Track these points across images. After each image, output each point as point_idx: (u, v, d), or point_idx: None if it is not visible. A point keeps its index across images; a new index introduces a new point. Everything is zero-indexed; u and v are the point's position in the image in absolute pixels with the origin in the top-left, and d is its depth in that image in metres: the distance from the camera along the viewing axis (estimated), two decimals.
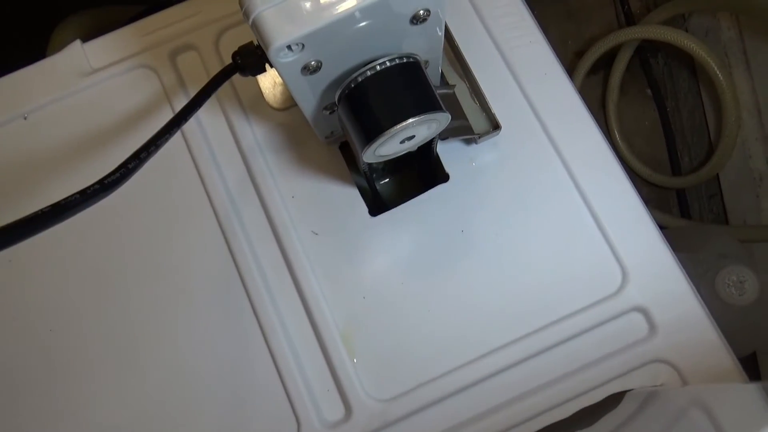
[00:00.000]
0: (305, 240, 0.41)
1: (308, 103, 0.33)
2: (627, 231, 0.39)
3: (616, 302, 0.38)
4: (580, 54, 1.01)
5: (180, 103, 0.43)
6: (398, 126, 0.30)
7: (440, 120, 0.32)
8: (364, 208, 0.41)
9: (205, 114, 0.43)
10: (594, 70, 1.01)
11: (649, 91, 1.04)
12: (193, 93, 0.34)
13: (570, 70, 1.01)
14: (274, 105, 0.43)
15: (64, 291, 0.41)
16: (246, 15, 0.27)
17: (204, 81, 0.34)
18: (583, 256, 0.39)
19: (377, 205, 0.41)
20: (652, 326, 0.38)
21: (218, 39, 0.44)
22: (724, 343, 0.37)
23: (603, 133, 0.41)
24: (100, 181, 0.23)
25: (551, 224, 0.40)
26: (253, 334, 0.39)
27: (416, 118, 0.30)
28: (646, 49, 1.02)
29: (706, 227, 0.87)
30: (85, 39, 0.45)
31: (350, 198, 0.41)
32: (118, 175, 0.24)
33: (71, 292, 0.41)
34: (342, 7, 0.26)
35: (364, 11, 0.27)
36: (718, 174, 0.90)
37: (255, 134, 0.43)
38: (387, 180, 0.43)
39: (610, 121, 1.00)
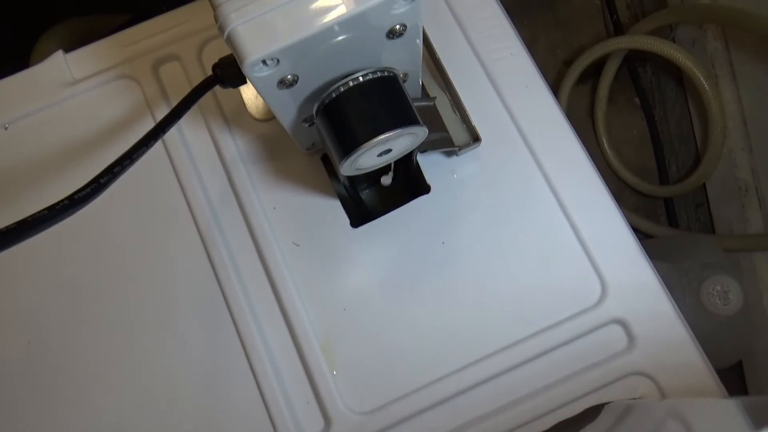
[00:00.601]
0: (286, 251, 0.41)
1: (286, 117, 0.33)
2: (606, 243, 0.39)
3: (596, 314, 0.38)
4: (569, 63, 1.02)
5: (162, 113, 0.43)
6: (375, 139, 0.30)
7: (418, 133, 0.32)
8: (346, 220, 0.41)
9: (186, 124, 0.43)
10: (582, 79, 1.01)
11: (637, 100, 1.05)
12: (175, 103, 0.34)
13: (559, 79, 1.02)
14: (257, 116, 0.43)
15: (41, 303, 0.40)
16: (221, 29, 0.27)
17: (186, 92, 0.34)
18: (563, 268, 0.39)
19: (359, 216, 0.41)
20: (631, 339, 0.38)
21: (201, 50, 0.44)
22: (703, 357, 0.38)
23: (583, 146, 0.41)
24: (70, 197, 0.23)
25: (531, 236, 0.40)
26: (232, 345, 0.39)
27: (393, 132, 0.30)
28: (635, 59, 1.02)
29: (692, 236, 0.87)
30: (70, 49, 0.45)
31: (332, 209, 0.41)
32: (89, 190, 0.24)
33: (49, 304, 0.40)
34: (316, 23, 0.26)
35: (339, 26, 0.27)
36: (704, 183, 0.91)
37: (237, 145, 0.43)
38: (368, 191, 0.43)
39: (598, 130, 1.00)
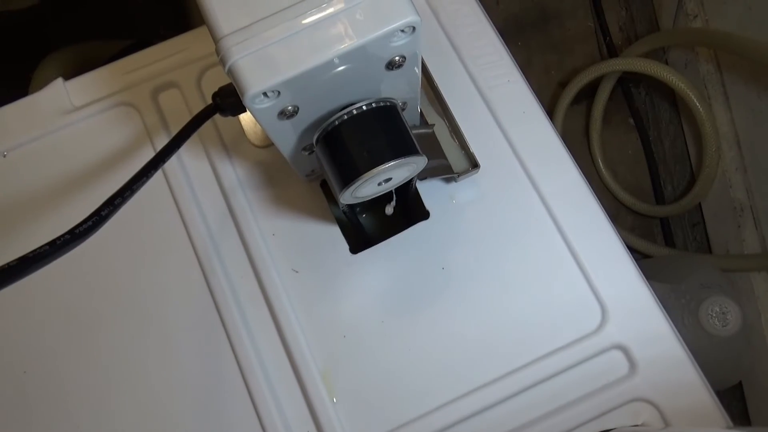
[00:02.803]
0: (285, 278, 0.40)
1: (286, 146, 0.33)
2: (606, 268, 0.39)
3: (596, 340, 0.38)
4: (563, 84, 1.03)
5: (161, 141, 0.43)
6: (375, 170, 0.30)
7: (417, 163, 0.32)
8: (345, 246, 0.41)
9: (186, 151, 0.43)
10: (577, 100, 1.02)
11: (631, 120, 1.06)
12: (174, 131, 0.34)
13: (554, 101, 1.03)
14: (256, 143, 0.43)
15: (38, 331, 0.40)
16: (222, 62, 0.27)
17: (186, 119, 0.34)
18: (563, 294, 0.39)
19: (358, 242, 0.41)
20: (632, 364, 0.38)
21: (200, 77, 0.45)
22: (704, 382, 0.37)
23: (580, 170, 0.42)
24: (71, 231, 0.23)
25: (531, 262, 0.40)
26: (231, 374, 0.39)
27: (393, 162, 0.30)
28: (629, 80, 1.04)
29: (689, 256, 0.87)
30: (69, 76, 0.46)
31: (331, 235, 0.41)
32: (90, 223, 0.24)
33: (46, 332, 0.40)
34: (316, 56, 0.27)
35: (339, 59, 0.27)
36: (700, 203, 0.91)
37: (236, 171, 0.43)
38: (367, 217, 0.43)
39: (593, 151, 1.01)
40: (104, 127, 0.43)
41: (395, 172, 0.32)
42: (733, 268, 0.78)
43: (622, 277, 0.39)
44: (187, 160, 0.43)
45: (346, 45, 0.27)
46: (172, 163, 0.43)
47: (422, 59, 0.42)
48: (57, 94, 0.44)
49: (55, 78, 0.45)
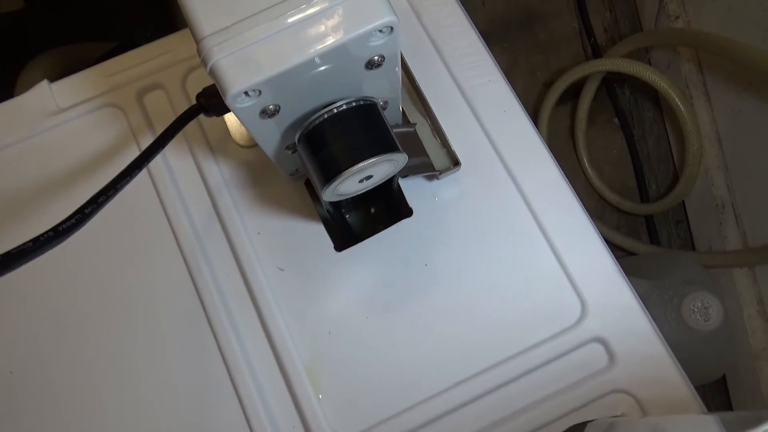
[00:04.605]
0: (271, 276, 0.41)
1: (269, 145, 0.34)
2: (585, 263, 0.40)
3: (576, 333, 0.39)
4: (549, 84, 1.04)
5: (147, 142, 0.44)
6: (356, 167, 0.30)
7: (398, 160, 0.32)
8: (330, 244, 0.42)
9: (171, 151, 0.44)
10: (562, 100, 1.04)
11: (616, 120, 1.07)
12: (159, 132, 0.35)
13: (539, 101, 1.04)
14: (241, 142, 0.44)
15: (24, 331, 0.40)
16: (204, 63, 0.28)
17: (171, 120, 0.35)
18: (543, 288, 0.40)
19: (342, 240, 0.42)
20: (611, 357, 0.39)
21: (185, 78, 0.45)
22: (681, 373, 0.38)
23: (560, 168, 0.42)
24: (54, 228, 0.23)
25: (512, 258, 0.41)
26: (218, 371, 0.39)
27: (373, 159, 0.31)
28: (613, 80, 1.05)
29: (673, 253, 0.89)
30: (55, 78, 0.46)
31: (316, 233, 0.42)
32: (73, 221, 0.24)
33: (32, 332, 0.40)
34: (296, 55, 0.27)
35: (318, 59, 0.28)
36: (683, 201, 0.93)
37: (221, 171, 0.43)
38: (352, 215, 0.44)
39: (579, 150, 1.02)
40: (90, 128, 0.44)
41: (376, 169, 0.32)
42: (715, 264, 0.79)
43: (601, 272, 0.40)
44: (173, 159, 0.43)
45: (325, 45, 0.27)
46: (157, 163, 0.43)
47: (404, 59, 0.43)
48: (42, 95, 0.44)
49: (41, 80, 0.46)
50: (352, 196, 0.34)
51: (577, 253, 0.40)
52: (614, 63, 0.89)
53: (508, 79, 0.45)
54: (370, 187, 0.35)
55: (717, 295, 0.66)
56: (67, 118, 0.44)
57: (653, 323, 0.39)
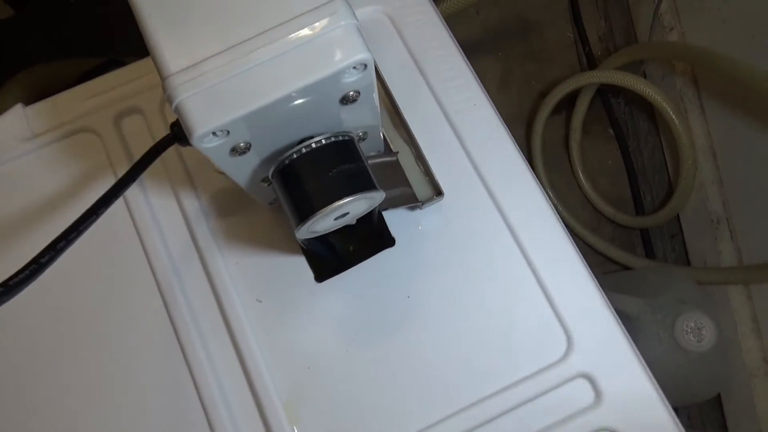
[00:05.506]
0: (249, 308, 0.40)
1: (242, 179, 0.33)
2: (572, 297, 0.39)
3: (562, 369, 0.38)
4: (544, 94, 1.03)
5: (124, 169, 0.42)
6: (330, 206, 0.29)
7: (374, 197, 0.31)
8: (310, 274, 0.40)
9: (148, 178, 0.43)
10: (557, 110, 1.03)
11: (611, 130, 1.06)
12: (137, 158, 0.33)
13: (533, 110, 1.03)
14: (220, 169, 0.42)
15: None
16: (169, 101, 0.27)
17: (149, 145, 0.33)
18: (529, 322, 0.39)
19: (323, 270, 0.41)
20: (597, 393, 0.38)
21: (164, 102, 0.44)
22: (670, 412, 0.37)
23: (547, 196, 0.41)
24: (4, 283, 0.22)
25: (497, 289, 0.40)
26: (191, 405, 0.38)
27: (349, 198, 0.30)
28: (608, 90, 1.04)
29: (667, 270, 0.88)
30: (35, 98, 0.45)
31: (296, 263, 0.41)
32: (27, 272, 0.23)
33: (4, 363, 0.39)
34: (265, 94, 0.26)
35: (287, 98, 0.27)
36: (678, 215, 0.92)
37: (200, 198, 0.42)
38: (333, 245, 0.43)
39: (573, 161, 1.01)
40: (65, 155, 0.43)
41: (352, 207, 0.31)
42: (709, 281, 0.78)
43: (588, 305, 0.39)
44: (150, 186, 0.42)
45: (296, 84, 0.26)
46: (133, 191, 0.42)
47: (386, 84, 0.42)
48: (16, 120, 0.43)
49: (17, 102, 0.44)
50: (327, 232, 0.33)
51: (564, 286, 0.39)
52: (609, 75, 0.88)
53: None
54: (347, 224, 0.33)
55: (711, 315, 0.65)
56: (40, 144, 0.43)
57: (641, 359, 0.38)
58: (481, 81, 0.44)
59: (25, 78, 0.53)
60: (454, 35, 0.45)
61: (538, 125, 1.00)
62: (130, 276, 0.41)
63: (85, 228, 0.27)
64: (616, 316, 0.39)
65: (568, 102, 1.03)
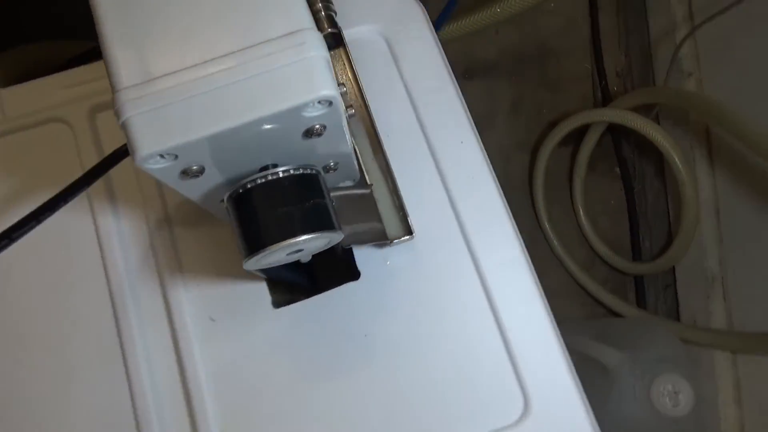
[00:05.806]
0: (200, 326, 0.38)
1: (197, 199, 0.31)
2: (535, 357, 0.37)
3: None
4: (553, 124, 1.01)
5: (91, 162, 0.41)
6: (282, 243, 0.28)
7: (331, 237, 0.30)
8: (268, 298, 0.39)
9: (116, 175, 0.41)
10: (565, 142, 1.00)
11: (617, 169, 1.04)
12: (107, 153, 0.32)
13: (541, 139, 1.01)
14: None
15: None
16: (116, 116, 0.25)
17: (122, 142, 0.32)
18: (487, 379, 0.37)
19: (282, 296, 0.39)
20: None
21: None
22: None
23: (524, 247, 0.39)
24: None
25: (458, 340, 0.38)
26: (125, 419, 0.37)
27: (303, 237, 0.28)
28: (619, 128, 1.02)
29: (653, 323, 0.85)
30: (16, 78, 0.44)
31: (256, 286, 0.39)
32: None
33: None
34: (214, 124, 0.24)
35: (243, 127, 0.25)
36: (675, 266, 0.89)
37: (166, 205, 0.41)
38: (295, 272, 0.41)
39: (575, 196, 0.99)
40: (33, 144, 0.41)
41: (307, 245, 0.29)
42: (696, 341, 0.75)
43: (550, 368, 0.37)
44: (117, 186, 0.41)
45: (251, 115, 0.25)
46: (98, 188, 0.40)
47: (371, 110, 0.40)
48: None
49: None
50: (279, 265, 0.32)
51: (529, 347, 0.37)
52: (620, 115, 0.86)
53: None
54: (301, 259, 0.32)
55: (691, 379, 0.63)
56: (9, 129, 0.41)
57: (597, 428, 0.36)
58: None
59: (7, 57, 0.52)
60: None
61: (543, 155, 0.98)
62: (82, 276, 0.39)
63: (19, 236, 0.26)
64: (580, 385, 0.37)
65: (578, 135, 1.01)
